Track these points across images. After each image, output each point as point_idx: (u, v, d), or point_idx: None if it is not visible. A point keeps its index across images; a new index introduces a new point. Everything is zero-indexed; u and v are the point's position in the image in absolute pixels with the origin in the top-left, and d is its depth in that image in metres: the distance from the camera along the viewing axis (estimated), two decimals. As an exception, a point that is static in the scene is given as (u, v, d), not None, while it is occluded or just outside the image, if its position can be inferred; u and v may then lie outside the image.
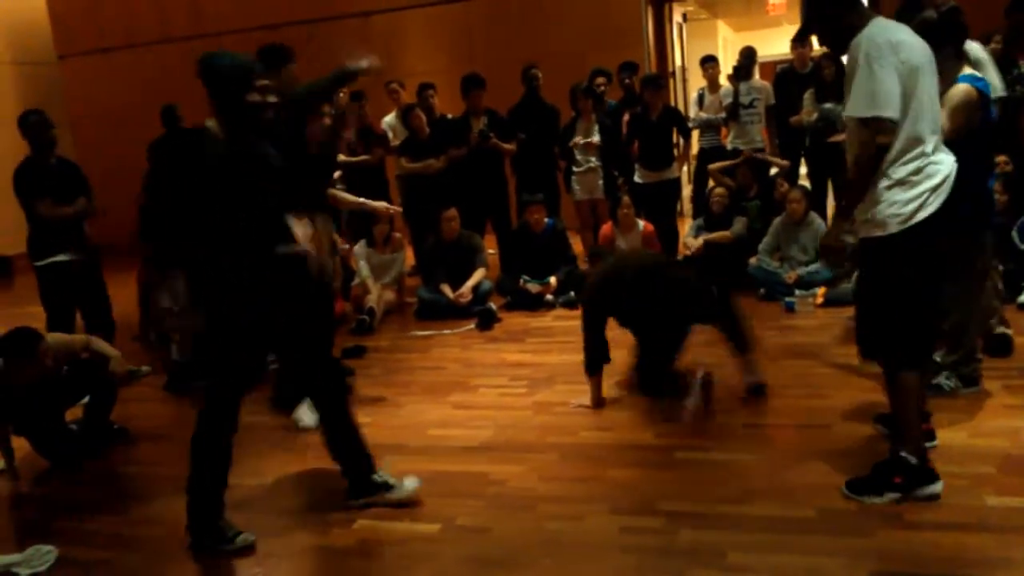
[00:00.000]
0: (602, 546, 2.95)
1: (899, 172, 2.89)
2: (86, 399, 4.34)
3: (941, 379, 3.87)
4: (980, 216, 3.74)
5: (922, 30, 3.21)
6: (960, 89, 3.60)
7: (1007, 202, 5.60)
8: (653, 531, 3.00)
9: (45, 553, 3.18)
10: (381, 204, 5.22)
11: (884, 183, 2.90)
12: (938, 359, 3.89)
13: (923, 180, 2.90)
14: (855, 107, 2.87)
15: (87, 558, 3.24)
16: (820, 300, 5.76)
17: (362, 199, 5.11)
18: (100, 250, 5.54)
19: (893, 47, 2.85)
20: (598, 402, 4.25)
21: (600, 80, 7.51)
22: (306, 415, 4.33)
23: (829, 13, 3.02)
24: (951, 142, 3.28)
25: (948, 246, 3.13)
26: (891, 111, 2.81)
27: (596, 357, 4.25)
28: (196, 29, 11.44)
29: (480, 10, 10.46)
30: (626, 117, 7.36)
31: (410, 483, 3.40)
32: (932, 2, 3.90)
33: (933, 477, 3.03)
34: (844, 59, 3.07)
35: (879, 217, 2.91)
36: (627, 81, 7.84)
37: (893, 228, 2.90)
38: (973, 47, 3.96)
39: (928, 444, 3.21)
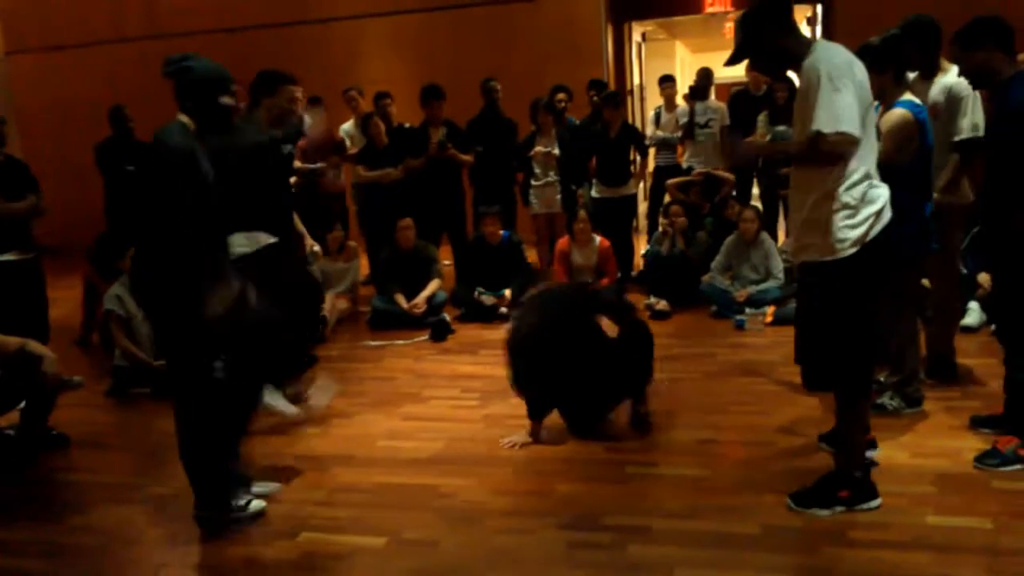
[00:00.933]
0: (551, 560, 2.94)
1: (847, 197, 2.93)
2: (22, 404, 4.21)
3: (885, 399, 3.96)
4: (918, 243, 3.81)
5: (864, 54, 3.30)
6: (896, 113, 3.68)
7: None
8: (602, 546, 3.00)
9: (-24, 563, 3.07)
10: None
11: (834, 206, 2.92)
12: (881, 379, 3.97)
13: (867, 204, 2.96)
14: (818, 123, 2.85)
15: (24, 568, 3.14)
16: (769, 319, 5.85)
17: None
18: (43, 251, 5.40)
19: (850, 67, 2.92)
20: (538, 437, 3.99)
21: (561, 96, 7.56)
22: (280, 402, 4.34)
23: (767, 39, 3.04)
24: (890, 168, 3.37)
25: (887, 271, 3.21)
26: (854, 128, 2.85)
27: (540, 406, 4.00)
28: (150, 29, 11.24)
29: (442, 21, 10.46)
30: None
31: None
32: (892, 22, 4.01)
33: (874, 493, 3.11)
34: (796, 81, 3.11)
35: (830, 241, 2.94)
36: (595, 99, 7.87)
37: (845, 252, 2.93)
38: (960, 83, 3.94)
39: (871, 452, 3.30)
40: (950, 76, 4.02)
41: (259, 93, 4.02)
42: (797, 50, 2.99)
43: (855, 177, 2.94)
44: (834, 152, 2.87)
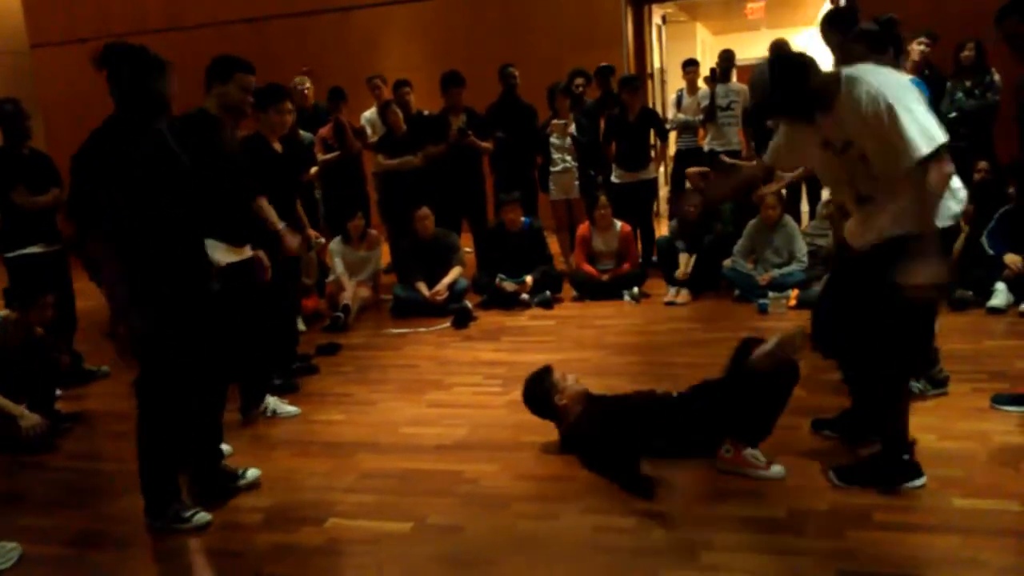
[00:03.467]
0: (575, 545, 2.95)
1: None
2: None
3: (911, 382, 3.91)
4: None
5: (865, 37, 3.27)
6: None
7: (973, 212, 5.68)
8: (626, 530, 3.01)
9: (9, 551, 3.12)
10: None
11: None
12: None
13: (959, 186, 3.06)
14: (917, 149, 2.76)
15: (51, 555, 3.19)
16: (793, 302, 5.81)
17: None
18: (70, 243, 5.46)
19: (903, 85, 2.89)
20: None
21: (579, 80, 7.53)
22: (279, 405, 4.43)
23: (795, 90, 2.91)
24: None
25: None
26: (943, 135, 2.80)
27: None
28: (172, 22, 11.32)
29: (461, 8, 10.44)
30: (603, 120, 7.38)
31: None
32: (863, 17, 3.98)
33: (920, 471, 3.13)
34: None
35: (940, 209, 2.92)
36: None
37: (945, 221, 2.96)
38: None
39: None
40: None
41: (211, 79, 3.78)
42: (830, 80, 2.92)
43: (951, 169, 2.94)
44: (943, 167, 2.82)
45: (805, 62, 2.92)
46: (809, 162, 3.25)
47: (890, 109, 2.78)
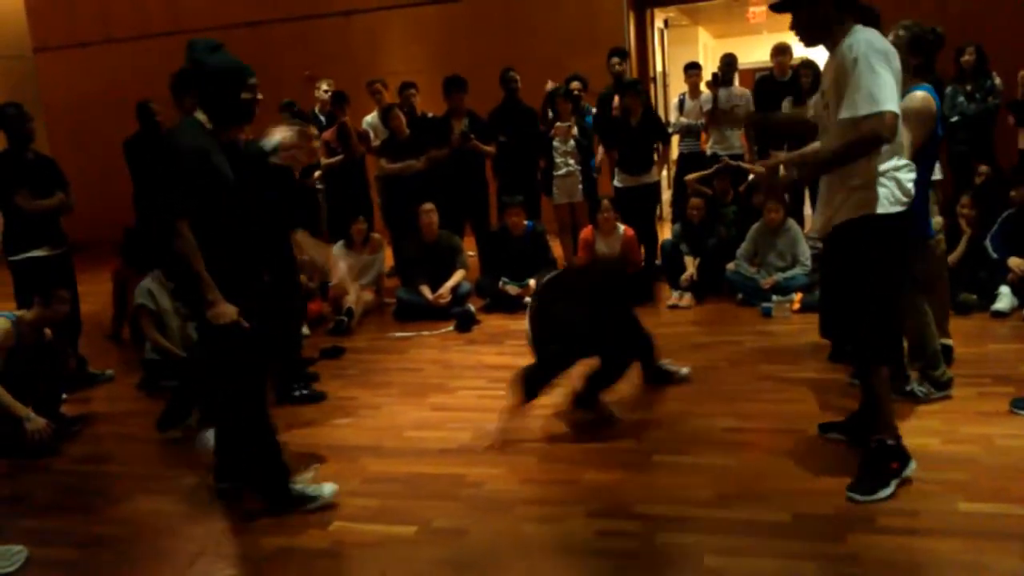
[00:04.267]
0: (579, 549, 2.95)
1: (891, 163, 3.02)
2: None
3: (914, 385, 3.92)
4: (924, 225, 3.84)
5: (906, 28, 3.37)
6: (919, 95, 3.62)
7: (976, 215, 5.69)
8: (630, 534, 3.01)
9: (15, 553, 3.13)
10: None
11: (882, 168, 2.99)
12: (910, 367, 3.94)
13: (909, 177, 3.07)
14: (854, 107, 2.88)
15: (57, 558, 3.19)
16: (796, 306, 5.81)
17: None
18: (73, 246, 5.48)
19: (887, 54, 2.93)
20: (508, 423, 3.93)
21: (575, 85, 7.54)
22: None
23: (821, 3, 3.00)
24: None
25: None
26: (893, 105, 2.87)
27: (553, 367, 3.96)
28: (174, 25, 11.33)
29: (462, 12, 10.46)
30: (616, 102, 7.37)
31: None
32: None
33: (909, 456, 3.16)
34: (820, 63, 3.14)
35: (874, 194, 2.98)
36: (618, 68, 7.79)
37: (888, 207, 2.99)
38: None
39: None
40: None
41: (183, 89, 3.83)
42: (840, 25, 3.00)
43: (902, 163, 3.03)
44: (877, 135, 2.87)
45: None
46: (816, 111, 3.30)
47: (855, 62, 2.87)
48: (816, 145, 3.39)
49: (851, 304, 3.12)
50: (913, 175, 3.10)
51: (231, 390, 3.27)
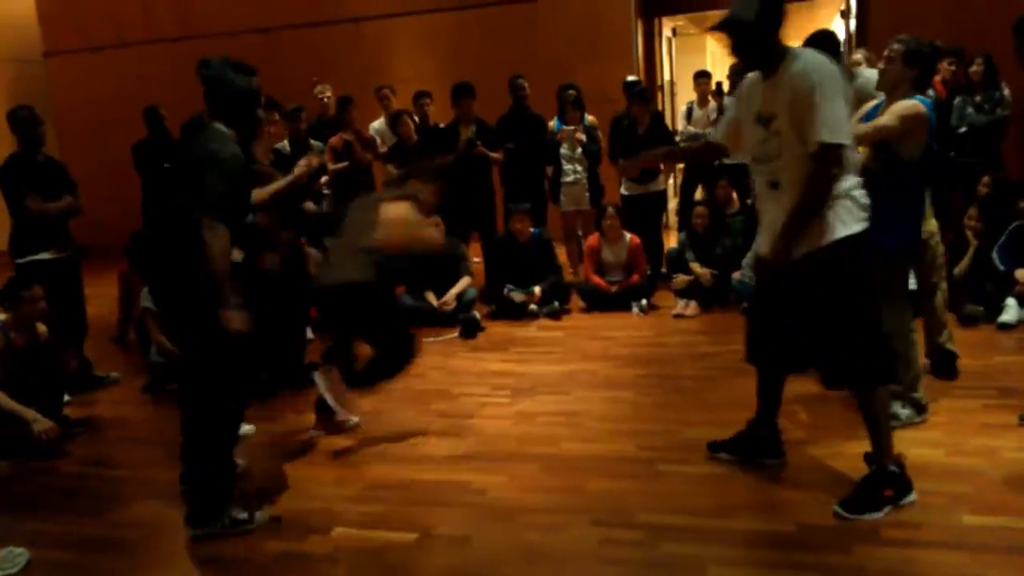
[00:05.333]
0: (582, 558, 2.94)
1: (847, 184, 3.03)
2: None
3: (896, 408, 3.79)
4: (916, 242, 3.78)
5: (902, 42, 3.50)
6: (909, 102, 3.56)
7: (982, 228, 5.68)
8: (634, 543, 3.00)
9: (17, 555, 3.13)
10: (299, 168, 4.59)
11: (837, 190, 3.00)
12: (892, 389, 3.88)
13: (862, 193, 3.08)
14: (822, 133, 2.88)
15: (60, 560, 3.20)
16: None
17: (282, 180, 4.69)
18: (81, 249, 5.50)
19: (840, 80, 2.97)
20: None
21: (571, 92, 7.56)
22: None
23: (768, 28, 3.03)
24: (894, 163, 3.42)
25: (882, 275, 3.36)
26: (847, 138, 2.95)
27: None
28: (183, 31, 11.39)
29: (471, 19, 10.48)
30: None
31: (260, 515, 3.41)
32: (877, 29, 4.06)
33: (911, 486, 3.12)
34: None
35: (834, 218, 2.99)
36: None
37: (851, 227, 3.00)
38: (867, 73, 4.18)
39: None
40: None
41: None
42: (778, 50, 3.05)
43: (853, 182, 3.05)
44: (833, 169, 2.94)
45: (780, 13, 3.06)
46: (746, 140, 3.26)
47: (812, 89, 2.88)
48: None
49: (835, 332, 3.07)
50: (863, 191, 3.09)
51: (209, 398, 3.27)
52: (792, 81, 2.95)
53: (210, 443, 3.29)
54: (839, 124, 2.90)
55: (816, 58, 2.99)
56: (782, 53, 3.03)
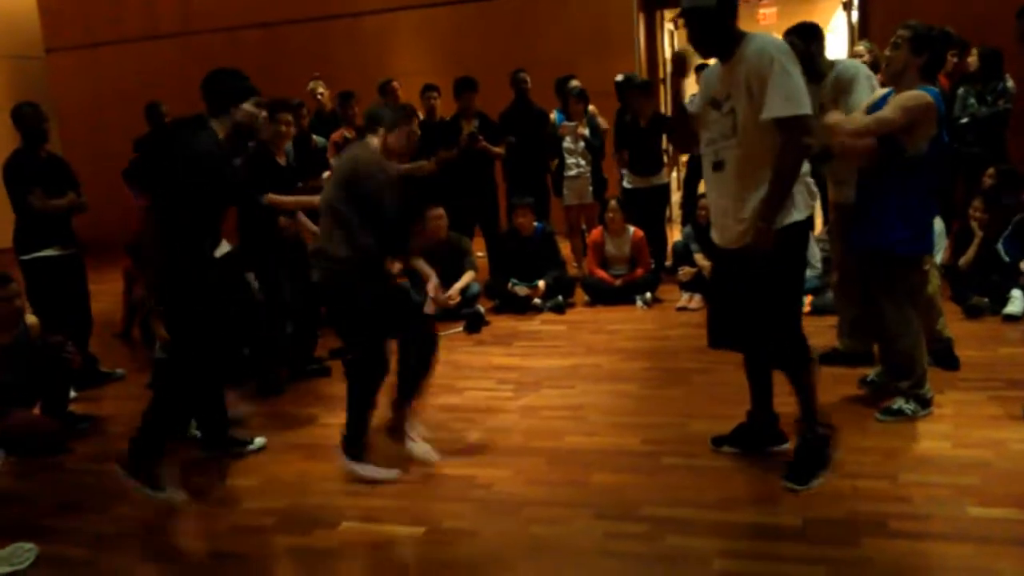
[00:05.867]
0: (587, 551, 2.95)
1: (803, 168, 3.11)
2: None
3: (901, 403, 3.81)
4: (924, 242, 3.77)
5: (909, 27, 3.55)
6: (916, 92, 3.53)
7: (987, 219, 5.67)
8: (638, 537, 3.00)
9: (26, 551, 3.14)
10: (305, 221, 5.02)
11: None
12: (897, 385, 3.88)
13: (812, 184, 3.20)
14: (775, 108, 2.94)
15: (68, 556, 3.20)
16: (807, 308, 5.78)
17: (301, 199, 4.97)
18: (85, 246, 5.50)
19: (794, 57, 3.02)
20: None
21: (575, 84, 7.54)
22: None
23: (728, 14, 3.09)
24: (900, 158, 3.44)
25: (883, 271, 3.52)
26: (808, 109, 2.97)
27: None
28: (185, 26, 11.39)
29: (471, 13, 10.46)
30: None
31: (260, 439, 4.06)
32: (883, 19, 4.07)
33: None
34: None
35: (794, 204, 3.07)
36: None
37: (802, 213, 3.09)
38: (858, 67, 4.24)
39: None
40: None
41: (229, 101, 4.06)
42: (735, 35, 3.09)
43: (806, 168, 3.13)
44: (804, 138, 2.99)
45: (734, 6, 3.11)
46: (703, 126, 3.30)
47: (771, 63, 2.94)
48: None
49: (762, 313, 3.18)
50: (813, 179, 3.21)
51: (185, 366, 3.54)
52: (748, 61, 3.01)
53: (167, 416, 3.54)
54: (800, 95, 2.94)
55: (768, 38, 3.07)
56: (738, 38, 3.09)
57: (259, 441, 4.11)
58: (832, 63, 4.28)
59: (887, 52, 3.69)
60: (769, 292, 3.14)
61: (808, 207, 3.15)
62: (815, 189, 3.19)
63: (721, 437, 3.66)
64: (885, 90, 3.76)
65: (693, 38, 3.22)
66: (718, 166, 3.18)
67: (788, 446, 3.51)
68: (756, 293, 3.16)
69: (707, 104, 3.23)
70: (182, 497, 3.51)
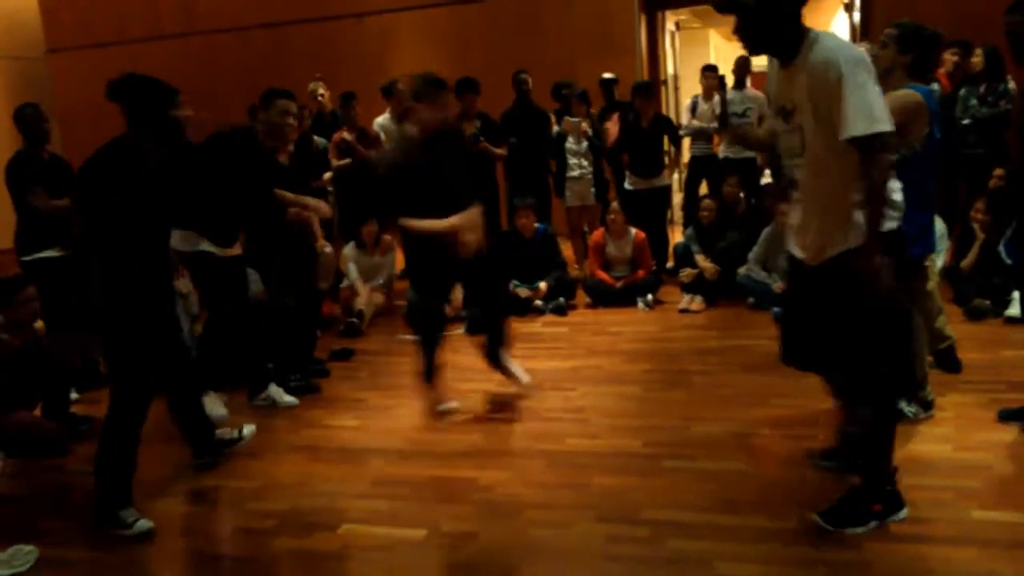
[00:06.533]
0: (588, 554, 2.94)
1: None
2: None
3: (903, 406, 3.77)
4: (925, 242, 3.71)
5: (898, 25, 3.41)
6: (904, 91, 3.44)
7: (989, 221, 5.66)
8: (639, 540, 3.00)
9: (26, 553, 3.14)
10: (315, 201, 4.88)
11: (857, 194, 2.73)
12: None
13: (895, 187, 2.90)
14: (851, 126, 2.58)
15: (68, 558, 3.20)
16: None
17: (302, 198, 4.84)
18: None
19: (868, 64, 2.69)
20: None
21: (566, 91, 7.55)
22: (280, 396, 4.69)
23: (773, 12, 2.72)
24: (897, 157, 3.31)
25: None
26: (889, 124, 2.63)
27: None
28: (188, 27, 11.39)
29: (474, 14, 10.46)
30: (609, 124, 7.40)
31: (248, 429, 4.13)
32: (881, 18, 3.97)
33: (902, 503, 2.98)
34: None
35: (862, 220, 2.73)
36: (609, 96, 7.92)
37: (885, 226, 2.75)
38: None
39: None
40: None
41: (257, 107, 4.50)
42: (792, 35, 2.73)
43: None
44: (880, 157, 2.64)
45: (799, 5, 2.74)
46: (774, 131, 3.04)
47: (839, 81, 2.58)
48: None
49: (851, 338, 2.82)
50: (898, 184, 2.91)
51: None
52: (812, 72, 2.66)
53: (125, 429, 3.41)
54: (878, 109, 2.59)
55: (834, 42, 2.69)
56: (798, 38, 2.71)
57: (247, 430, 4.13)
58: None
59: (876, 50, 3.56)
60: (858, 316, 2.79)
61: (891, 220, 2.84)
62: (898, 199, 2.91)
63: (827, 451, 3.44)
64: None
65: (746, 35, 2.81)
66: (792, 184, 2.91)
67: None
68: (846, 317, 2.82)
69: (777, 113, 2.92)
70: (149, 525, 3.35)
